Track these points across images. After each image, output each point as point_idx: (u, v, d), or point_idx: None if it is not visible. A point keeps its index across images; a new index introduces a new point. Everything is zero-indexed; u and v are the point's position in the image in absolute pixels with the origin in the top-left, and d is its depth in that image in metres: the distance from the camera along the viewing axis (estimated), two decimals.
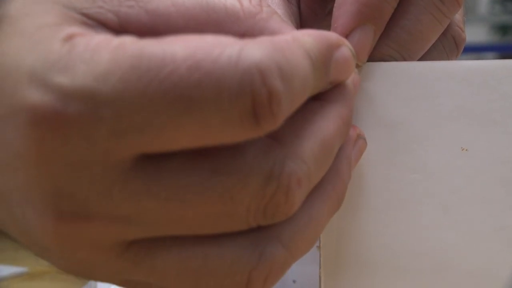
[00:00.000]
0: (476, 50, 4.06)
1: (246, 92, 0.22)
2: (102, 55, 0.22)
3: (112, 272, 0.26)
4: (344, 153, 0.29)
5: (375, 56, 0.32)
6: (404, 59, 0.32)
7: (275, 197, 0.24)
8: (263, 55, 0.22)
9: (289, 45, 0.24)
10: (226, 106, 0.22)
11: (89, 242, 0.25)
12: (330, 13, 0.38)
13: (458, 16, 0.35)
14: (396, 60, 0.32)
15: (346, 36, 0.31)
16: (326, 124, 0.26)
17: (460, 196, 0.31)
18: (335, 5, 0.31)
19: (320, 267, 0.32)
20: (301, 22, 0.36)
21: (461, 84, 0.31)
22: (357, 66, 0.31)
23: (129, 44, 0.23)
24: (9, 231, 0.27)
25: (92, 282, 0.45)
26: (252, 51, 0.22)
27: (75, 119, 0.22)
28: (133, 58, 0.22)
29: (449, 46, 0.35)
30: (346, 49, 0.27)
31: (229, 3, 0.26)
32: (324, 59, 0.26)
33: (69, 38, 0.23)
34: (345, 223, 0.32)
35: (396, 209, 0.32)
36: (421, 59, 0.33)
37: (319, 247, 0.32)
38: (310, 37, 0.26)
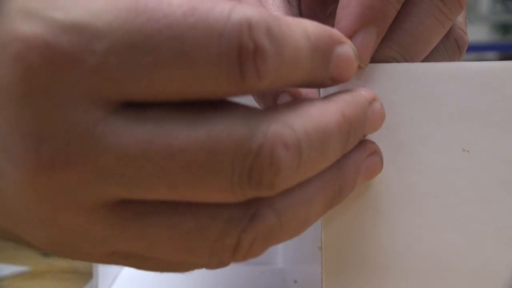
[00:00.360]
0: (477, 49, 4.06)
1: (234, 42, 0.22)
2: None
3: (97, 240, 0.25)
4: (353, 156, 0.29)
5: (377, 57, 0.32)
6: (406, 61, 0.32)
7: (259, 158, 0.23)
8: (255, 14, 0.23)
9: (288, 19, 0.25)
10: (215, 53, 0.22)
11: (70, 199, 0.23)
12: (330, 15, 0.38)
13: (460, 19, 0.35)
14: (398, 62, 0.32)
15: (350, 37, 0.31)
16: (324, 113, 0.26)
17: (461, 197, 0.32)
18: (338, 6, 0.31)
19: (322, 268, 0.32)
20: None
21: (463, 86, 0.31)
22: (360, 67, 0.31)
23: None
24: None
25: (93, 281, 0.45)
26: (245, 8, 0.23)
27: (66, 51, 0.22)
28: (130, 0, 0.23)
29: (451, 48, 0.35)
30: (349, 47, 0.27)
31: None
32: (324, 47, 0.26)
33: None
34: (346, 223, 0.32)
35: (398, 210, 0.32)
36: (423, 61, 0.33)
37: (320, 248, 0.32)
38: (313, 24, 0.26)
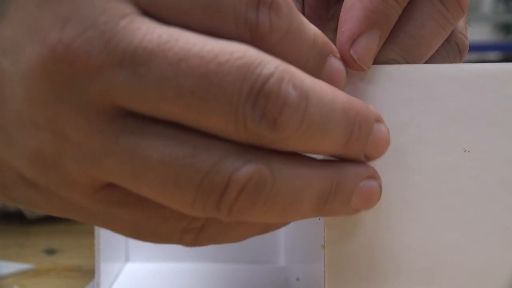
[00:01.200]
0: (479, 49, 4.06)
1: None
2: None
3: (88, 156, 0.25)
4: (354, 168, 0.28)
5: (379, 59, 0.32)
6: (408, 64, 0.32)
7: (268, 85, 0.24)
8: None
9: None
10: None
11: (76, 94, 0.24)
12: (333, 17, 0.39)
13: (461, 24, 0.36)
14: (399, 64, 0.32)
15: (353, 40, 0.31)
16: (335, 92, 0.27)
17: (463, 196, 0.32)
18: (342, 9, 0.32)
19: (324, 266, 0.32)
20: None
21: (464, 87, 0.32)
22: (362, 70, 0.31)
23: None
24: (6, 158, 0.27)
25: (95, 279, 0.45)
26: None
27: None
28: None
29: (452, 52, 0.35)
30: (339, 62, 0.29)
31: None
32: (322, 48, 0.28)
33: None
34: (349, 222, 0.32)
35: (399, 210, 0.32)
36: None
37: (323, 246, 0.32)
38: (318, 30, 0.28)
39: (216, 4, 0.24)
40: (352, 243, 0.32)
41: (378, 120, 0.28)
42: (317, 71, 0.28)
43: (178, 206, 0.25)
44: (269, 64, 0.24)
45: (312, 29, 0.27)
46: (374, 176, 0.29)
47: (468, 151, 0.32)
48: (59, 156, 0.25)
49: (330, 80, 0.28)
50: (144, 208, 0.27)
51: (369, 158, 0.28)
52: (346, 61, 0.31)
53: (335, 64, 0.29)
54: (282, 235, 0.56)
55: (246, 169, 0.25)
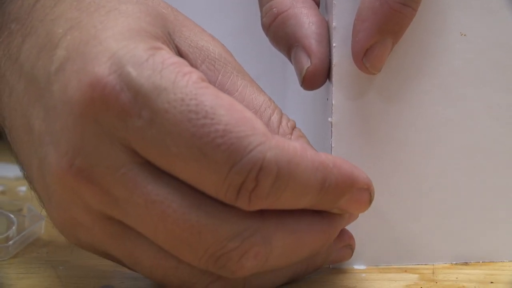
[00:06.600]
0: None
1: (240, 177, 0.27)
2: (169, 73, 0.27)
3: (92, 237, 0.30)
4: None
5: None
6: None
7: (232, 252, 0.27)
8: (273, 156, 0.27)
9: (308, 161, 0.28)
10: (223, 176, 0.27)
11: (82, 202, 0.28)
12: None
13: None
14: None
15: (366, 49, 0.32)
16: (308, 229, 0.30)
17: (458, 76, 0.35)
18: (356, 17, 0.33)
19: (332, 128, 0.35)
20: None
21: None
22: (374, 74, 0.33)
23: (194, 78, 0.27)
24: (28, 169, 0.31)
25: None
26: (269, 147, 0.27)
27: (122, 104, 0.27)
28: (189, 95, 0.27)
29: None
30: (360, 196, 0.31)
31: (266, 117, 0.32)
32: (335, 189, 0.29)
33: (155, 48, 0.28)
34: (355, 93, 0.34)
35: (401, 87, 0.34)
36: None
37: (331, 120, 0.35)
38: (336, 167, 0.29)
39: (200, 176, 0.27)
40: (358, 114, 0.35)
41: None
42: (330, 207, 0.30)
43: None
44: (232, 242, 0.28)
45: (318, 180, 0.28)
46: (350, 245, 0.34)
47: (464, 35, 0.34)
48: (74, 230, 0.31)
49: (348, 209, 0.31)
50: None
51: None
52: (359, 67, 0.33)
53: (355, 197, 0.30)
54: None
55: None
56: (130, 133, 0.27)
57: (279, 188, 0.27)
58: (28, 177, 0.32)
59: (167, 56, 0.28)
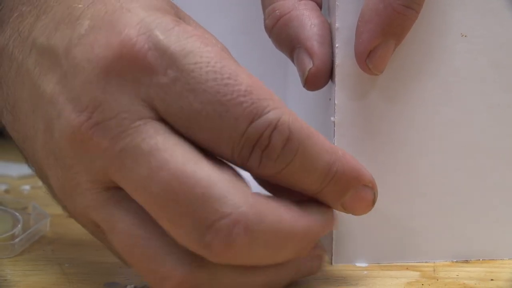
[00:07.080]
0: None
1: (255, 135, 0.28)
2: (194, 40, 0.28)
3: (88, 202, 0.30)
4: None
5: None
6: None
7: (224, 219, 0.27)
8: (286, 118, 0.29)
9: (318, 141, 0.30)
10: (240, 133, 0.28)
11: (88, 159, 0.29)
12: None
13: None
14: None
15: (369, 51, 0.33)
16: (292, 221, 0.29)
17: (458, 76, 0.35)
18: (359, 19, 0.33)
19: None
20: None
21: None
22: (376, 75, 0.34)
23: (217, 48, 0.29)
24: (32, 140, 0.31)
25: None
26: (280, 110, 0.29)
27: (149, 61, 0.28)
28: (214, 58, 0.28)
29: None
30: (365, 191, 0.31)
31: None
32: (340, 179, 0.30)
33: (178, 21, 0.29)
34: (358, 91, 0.35)
35: (402, 85, 0.35)
36: None
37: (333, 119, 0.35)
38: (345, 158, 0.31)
39: (218, 133, 0.28)
40: (361, 114, 0.35)
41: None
42: (335, 200, 0.31)
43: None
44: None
45: (326, 161, 0.29)
46: (320, 257, 0.33)
47: (465, 36, 0.35)
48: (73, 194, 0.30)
49: (352, 207, 0.31)
50: None
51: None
52: (362, 68, 0.34)
53: (360, 194, 0.31)
54: None
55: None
56: (154, 88, 0.28)
57: (288, 152, 0.28)
58: (29, 152, 0.32)
59: (190, 28, 0.29)
